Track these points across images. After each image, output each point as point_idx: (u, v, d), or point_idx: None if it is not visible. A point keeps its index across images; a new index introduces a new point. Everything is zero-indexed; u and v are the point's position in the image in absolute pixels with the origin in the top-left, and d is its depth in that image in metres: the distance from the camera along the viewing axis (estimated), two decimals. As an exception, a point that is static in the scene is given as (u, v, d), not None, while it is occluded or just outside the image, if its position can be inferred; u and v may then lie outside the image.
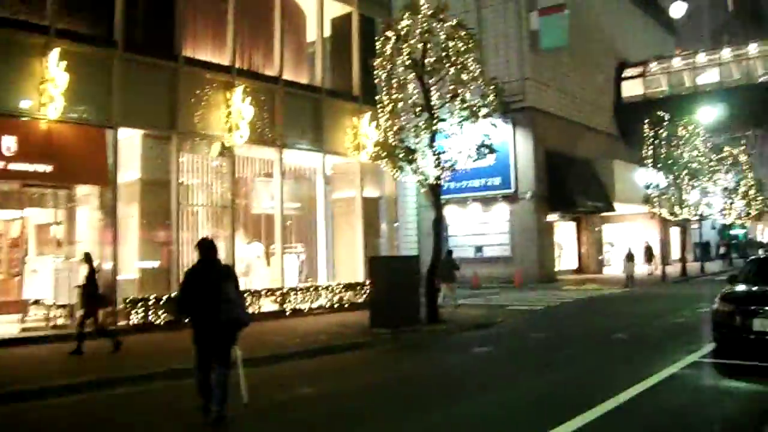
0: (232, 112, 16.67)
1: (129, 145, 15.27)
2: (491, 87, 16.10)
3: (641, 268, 31.15)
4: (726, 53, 40.43)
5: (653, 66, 42.47)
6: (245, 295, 16.33)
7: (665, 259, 33.15)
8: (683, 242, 36.87)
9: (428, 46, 15.78)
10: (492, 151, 16.64)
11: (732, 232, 57.72)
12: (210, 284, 7.41)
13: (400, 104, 16.07)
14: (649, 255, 32.12)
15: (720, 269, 38.78)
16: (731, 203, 41.98)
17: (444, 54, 15.68)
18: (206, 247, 7.71)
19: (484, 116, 16.09)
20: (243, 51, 17.86)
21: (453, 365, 11.74)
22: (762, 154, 64.60)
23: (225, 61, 17.15)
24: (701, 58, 41.08)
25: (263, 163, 18.59)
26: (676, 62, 42.09)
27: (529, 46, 32.75)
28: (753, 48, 39.60)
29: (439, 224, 17.04)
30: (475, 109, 15.86)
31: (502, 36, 33.07)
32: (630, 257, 28.22)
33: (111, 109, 14.58)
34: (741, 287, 11.35)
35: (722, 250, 49.49)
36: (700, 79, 40.36)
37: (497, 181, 32.70)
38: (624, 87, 42.34)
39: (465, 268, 32.52)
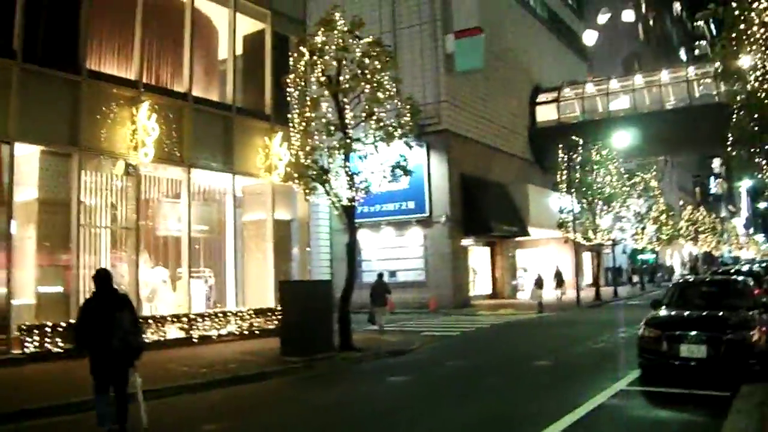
0: (138, 129, 16.54)
1: (26, 162, 14.97)
2: (407, 107, 16.58)
3: (552, 294, 32.31)
4: (638, 80, 42.91)
5: (567, 91, 44.58)
6: (149, 320, 16.38)
7: (578, 284, 34.63)
8: (597, 267, 38.70)
9: (343, 63, 16.05)
10: (407, 172, 17.09)
11: (642, 256, 60.75)
12: (105, 314, 7.89)
13: (314, 123, 16.18)
14: (559, 280, 33.13)
15: (630, 294, 40.79)
16: (643, 228, 44.27)
17: (360, 71, 15.96)
18: (101, 278, 8.27)
19: (400, 137, 16.52)
20: (151, 65, 17.83)
21: (368, 396, 11.47)
22: (671, 180, 68.49)
23: (131, 75, 17.07)
24: (614, 84, 43.44)
25: (170, 183, 18.49)
26: (590, 88, 44.33)
27: (445, 68, 33.87)
28: (664, 75, 42.21)
29: (352, 247, 17.28)
30: (390, 129, 16.24)
31: (418, 58, 34.06)
32: (539, 283, 29.38)
33: (7, 124, 14.23)
34: (665, 312, 11.94)
35: (635, 278, 52.12)
36: (612, 105, 42.64)
37: (411, 204, 33.53)
38: (538, 112, 44.23)
39: (378, 293, 33.34)
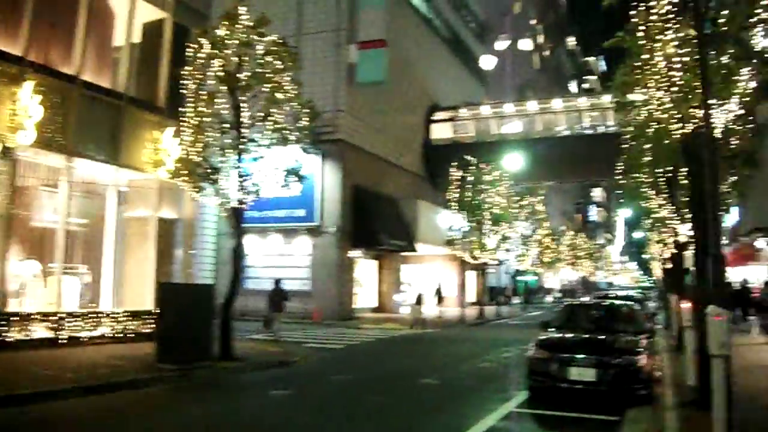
0: (19, 110, 15.52)
1: None
2: (306, 111, 16.39)
3: (433, 310, 32.64)
4: (532, 105, 44.48)
5: (463, 111, 45.62)
6: (12, 318, 15.34)
7: (463, 302, 35.33)
8: (482, 286, 39.63)
9: (244, 59, 15.64)
10: (301, 178, 16.95)
11: (523, 278, 62.80)
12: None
13: (208, 119, 15.66)
14: (439, 297, 33.41)
15: (512, 314, 41.93)
16: (527, 250, 45.74)
17: (260, 69, 15.64)
18: None
19: (296, 141, 16.32)
20: (39, 43, 16.77)
21: (247, 412, 10.79)
22: (554, 205, 71.10)
23: (16, 50, 16.06)
24: (509, 107, 44.90)
25: (49, 171, 17.45)
26: (485, 110, 45.57)
27: (346, 78, 33.89)
28: (557, 103, 43.91)
29: (239, 252, 16.80)
30: (286, 132, 16.03)
31: (319, 66, 33.84)
32: (418, 300, 29.60)
33: None
34: (555, 334, 12.19)
35: (515, 299, 53.57)
36: (506, 128, 44.03)
37: (301, 212, 33.27)
38: (434, 129, 45.02)
39: (260, 301, 32.72)
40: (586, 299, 23.07)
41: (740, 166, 10.22)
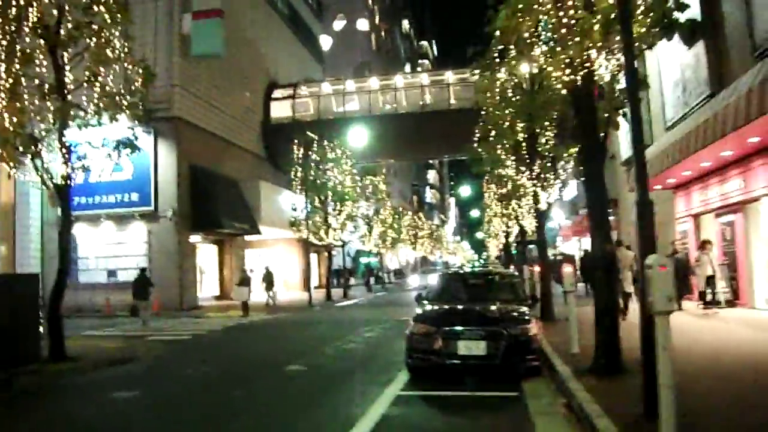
0: None
1: None
2: (139, 71, 14.59)
3: (262, 295, 30.92)
4: (374, 83, 43.97)
5: (303, 89, 44.38)
6: None
7: (309, 285, 34.26)
8: (328, 268, 38.73)
9: (66, 9, 13.50)
10: (134, 149, 15.11)
11: (365, 259, 62.74)
12: None
13: (24, 81, 13.22)
14: (269, 281, 31.12)
15: (360, 295, 41.48)
16: (370, 231, 45.38)
17: (85, 21, 13.61)
18: None
19: (128, 106, 14.48)
20: None
21: (83, 422, 8.81)
22: (393, 187, 71.55)
23: None
24: (350, 85, 44.09)
25: None
26: (326, 87, 44.56)
27: (180, 51, 31.69)
28: (398, 80, 43.69)
29: (66, 236, 14.59)
30: (116, 97, 14.21)
31: (150, 36, 31.22)
32: (244, 281, 27.50)
33: None
34: (435, 306, 11.34)
35: (344, 281, 53.09)
36: (348, 106, 43.16)
37: (135, 197, 30.88)
38: (273, 107, 43.42)
39: (97, 294, 30.20)
40: (464, 270, 22.36)
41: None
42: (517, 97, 17.38)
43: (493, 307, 10.90)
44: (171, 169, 30.85)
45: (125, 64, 14.53)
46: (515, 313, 10.57)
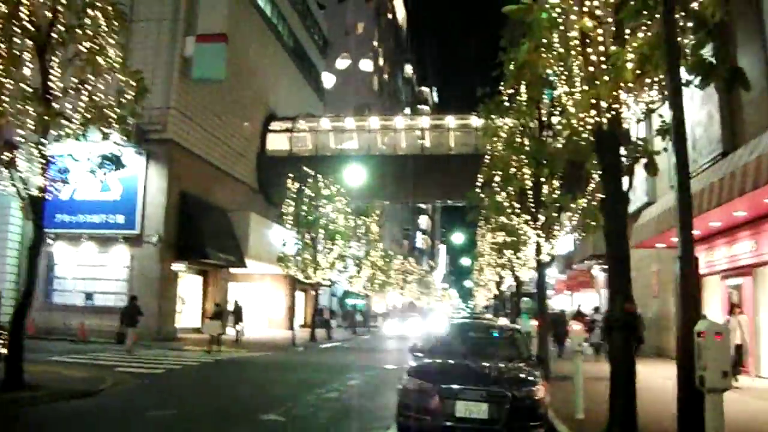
0: None
1: None
2: (133, 83, 13.74)
3: (230, 330, 29.48)
4: (374, 122, 43.33)
5: (302, 123, 43.66)
6: None
7: (293, 323, 33.08)
8: (314, 307, 37.57)
9: (60, 11, 12.65)
10: (119, 166, 14.15)
11: (351, 301, 61.46)
12: None
13: (8, 83, 12.12)
14: (237, 316, 29.87)
15: (344, 337, 40.28)
16: (359, 271, 44.29)
17: (78, 24, 12.80)
18: None
19: (117, 121, 13.62)
20: None
21: None
22: (384, 230, 70.67)
23: None
24: (349, 123, 43.41)
25: None
26: (325, 123, 43.86)
27: (179, 73, 30.99)
28: (399, 121, 43.10)
29: (36, 251, 13.58)
30: (105, 109, 13.33)
31: (151, 56, 30.58)
32: (217, 315, 26.47)
33: None
34: (431, 360, 10.31)
35: (334, 322, 51.51)
36: (346, 143, 42.44)
37: (121, 219, 29.88)
38: (270, 139, 42.66)
39: (71, 317, 28.95)
40: (463, 321, 21.36)
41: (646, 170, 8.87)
42: (526, 143, 16.70)
43: (497, 366, 9.86)
44: (160, 194, 29.89)
45: (118, 75, 13.68)
46: (521, 374, 9.56)
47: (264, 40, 41.83)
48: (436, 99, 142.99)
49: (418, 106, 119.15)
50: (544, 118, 16.67)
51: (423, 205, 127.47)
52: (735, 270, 18.01)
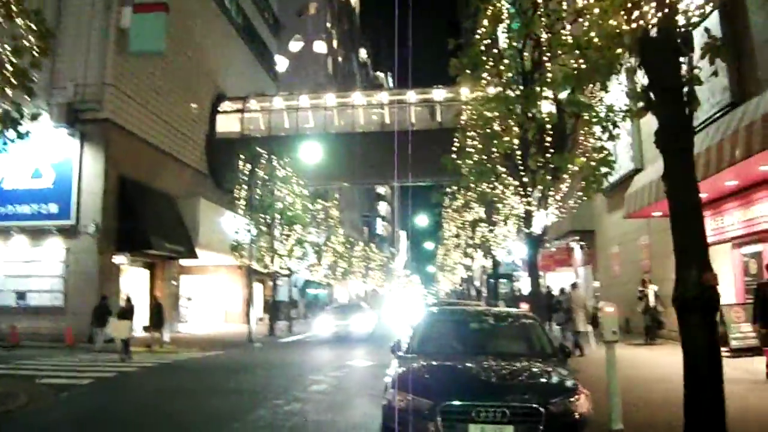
0: None
1: None
2: (32, 26, 11.03)
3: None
4: (330, 99, 40.50)
5: (253, 103, 40.60)
6: None
7: (249, 318, 30.20)
8: (273, 298, 34.76)
9: None
10: (15, 125, 11.48)
11: (312, 290, 58.72)
12: None
13: None
14: (158, 317, 25.31)
15: (306, 330, 37.45)
16: (320, 259, 41.61)
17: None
18: None
19: (14, 74, 10.95)
20: None
21: None
22: (343, 217, 68.10)
23: None
24: (304, 101, 40.44)
25: None
26: (278, 102, 40.82)
27: (116, 46, 27.82)
28: (357, 98, 40.42)
29: None
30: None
31: (85, 29, 27.58)
32: (125, 313, 22.04)
33: None
34: (424, 363, 7.62)
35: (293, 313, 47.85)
36: (301, 122, 39.45)
37: (54, 208, 26.73)
38: (220, 121, 39.46)
39: (2, 319, 25.72)
40: (462, 306, 18.35)
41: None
42: (510, 94, 14.33)
43: (518, 368, 7.32)
44: (97, 179, 26.75)
45: (18, 20, 10.93)
46: (553, 378, 7.04)
47: (210, 16, 38.63)
48: (391, 84, 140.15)
49: (375, 90, 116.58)
50: (529, 65, 14.41)
51: (382, 191, 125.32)
52: (752, 236, 15.76)
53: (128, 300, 22.67)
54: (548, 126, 14.33)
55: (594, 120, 13.96)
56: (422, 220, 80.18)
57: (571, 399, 6.50)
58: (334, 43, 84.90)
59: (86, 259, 26.28)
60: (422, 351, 8.15)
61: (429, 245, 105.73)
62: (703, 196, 16.38)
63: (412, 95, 38.67)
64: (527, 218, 15.17)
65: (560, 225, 29.83)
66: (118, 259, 27.19)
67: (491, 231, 29.64)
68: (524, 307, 18.80)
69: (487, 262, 35.31)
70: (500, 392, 6.54)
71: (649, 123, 14.31)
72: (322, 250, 41.91)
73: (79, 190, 26.57)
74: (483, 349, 8.21)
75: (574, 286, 21.49)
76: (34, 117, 24.28)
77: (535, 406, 6.23)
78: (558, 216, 15.44)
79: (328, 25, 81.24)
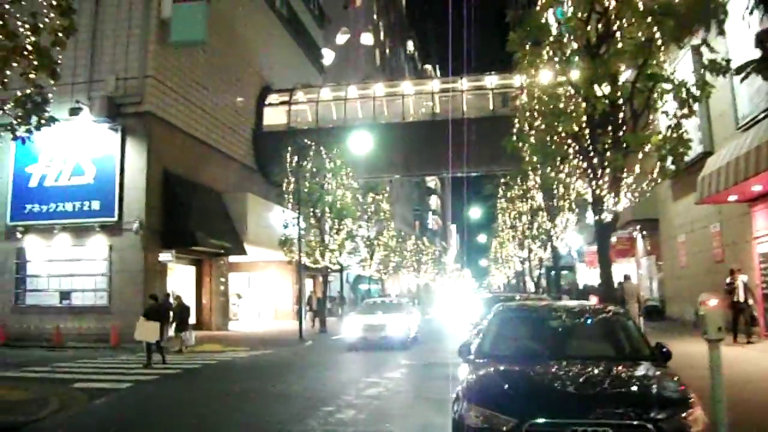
0: None
1: None
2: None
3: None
4: (378, 89, 39.00)
5: (300, 95, 39.31)
6: None
7: (301, 314, 28.92)
8: (324, 294, 33.43)
9: None
10: (40, 111, 10.44)
11: (364, 286, 57.38)
12: None
13: None
14: (181, 318, 22.12)
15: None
16: (371, 254, 40.19)
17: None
18: None
19: (35, 55, 9.86)
20: None
21: None
22: (394, 211, 66.64)
23: None
24: (352, 91, 38.98)
25: None
26: (325, 93, 39.45)
27: (157, 38, 26.86)
28: (407, 87, 38.85)
29: None
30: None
31: (125, 21, 26.77)
32: (153, 312, 18.07)
33: None
34: (503, 368, 6.30)
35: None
36: (350, 113, 37.98)
37: (96, 205, 25.83)
38: (267, 114, 38.34)
39: (46, 320, 25.05)
40: (535, 300, 17.05)
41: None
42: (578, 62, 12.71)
43: (615, 374, 5.99)
44: (140, 174, 25.78)
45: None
46: (660, 386, 5.62)
47: (253, 6, 37.47)
48: (438, 74, 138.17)
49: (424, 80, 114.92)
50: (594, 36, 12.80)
51: (432, 185, 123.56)
52: None
53: (155, 297, 19.55)
54: (620, 102, 12.62)
55: (669, 93, 12.29)
56: (474, 212, 78.10)
57: (685, 414, 5.15)
58: (381, 35, 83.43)
59: (131, 256, 25.35)
60: (496, 354, 6.79)
61: (481, 238, 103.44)
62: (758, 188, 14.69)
63: (464, 83, 36.92)
64: (596, 204, 13.43)
65: (622, 214, 27.97)
66: (164, 256, 26.13)
67: (551, 220, 27.77)
68: (594, 300, 17.35)
69: (545, 253, 33.40)
70: (598, 406, 5.17)
71: (720, 101, 12.35)
72: (373, 245, 40.45)
73: (121, 185, 25.64)
74: (567, 352, 6.84)
75: (626, 278, 20.47)
76: (73, 111, 23.46)
77: (642, 423, 4.91)
78: (631, 200, 13.64)
79: (375, 16, 79.76)
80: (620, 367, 6.22)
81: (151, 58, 26.53)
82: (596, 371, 6.11)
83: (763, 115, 15.03)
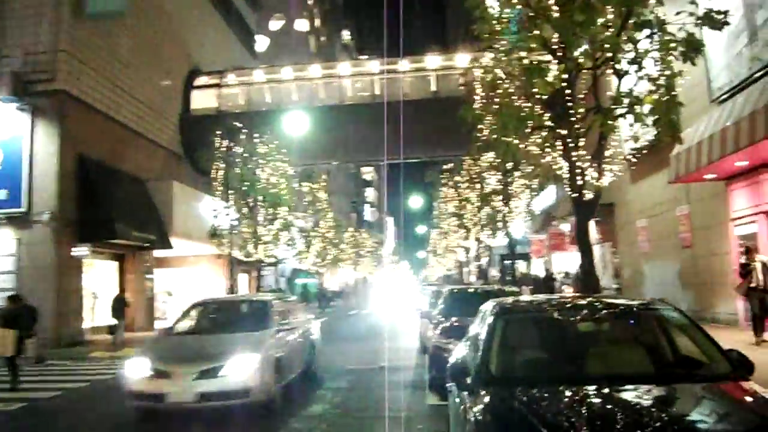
0: None
1: None
2: None
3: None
4: (315, 70, 36.93)
5: (231, 77, 36.90)
6: None
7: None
8: (257, 290, 31.29)
9: None
10: None
11: (300, 280, 55.13)
12: None
13: None
14: (119, 307, 22.67)
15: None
16: (308, 246, 38.11)
17: None
18: None
19: None
20: None
21: None
22: (332, 198, 64.57)
23: None
24: (287, 73, 36.78)
25: None
26: (258, 75, 37.15)
27: (71, 9, 24.23)
28: (345, 68, 36.91)
29: None
30: None
31: (35, -8, 24.04)
32: (12, 317, 14.02)
33: None
34: (522, 408, 4.17)
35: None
36: (285, 96, 35.80)
37: (2, 194, 23.10)
38: (195, 97, 35.83)
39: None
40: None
41: None
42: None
43: (695, 403, 4.27)
44: (52, 160, 23.17)
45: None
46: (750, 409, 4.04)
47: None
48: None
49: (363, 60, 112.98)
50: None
51: (369, 177, 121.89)
52: None
53: (16, 297, 15.22)
54: (608, 55, 10.88)
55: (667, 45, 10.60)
56: (415, 201, 76.58)
57: None
58: (317, 22, 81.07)
59: (41, 251, 22.72)
60: (508, 378, 4.79)
61: (420, 229, 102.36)
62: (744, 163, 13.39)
63: (404, 63, 35.21)
64: (574, 178, 11.68)
65: (562, 203, 26.60)
66: (77, 250, 23.52)
67: (506, 204, 26.01)
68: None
69: (495, 241, 31.74)
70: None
71: (690, 73, 10.87)
72: (310, 236, 38.39)
73: (30, 172, 22.98)
74: (610, 370, 4.82)
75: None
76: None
77: None
78: (615, 174, 11.96)
79: (310, 1, 77.35)
80: (697, 391, 4.38)
81: (64, 31, 23.89)
82: (660, 398, 4.18)
83: (749, 81, 13.62)
